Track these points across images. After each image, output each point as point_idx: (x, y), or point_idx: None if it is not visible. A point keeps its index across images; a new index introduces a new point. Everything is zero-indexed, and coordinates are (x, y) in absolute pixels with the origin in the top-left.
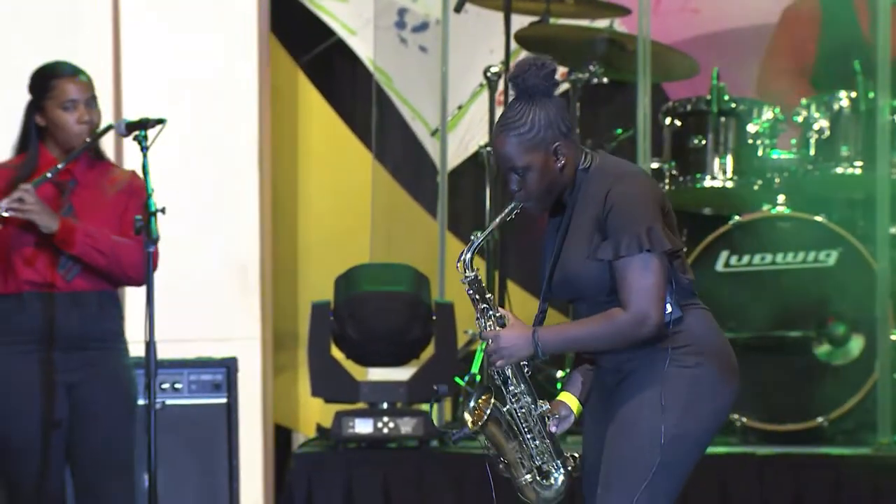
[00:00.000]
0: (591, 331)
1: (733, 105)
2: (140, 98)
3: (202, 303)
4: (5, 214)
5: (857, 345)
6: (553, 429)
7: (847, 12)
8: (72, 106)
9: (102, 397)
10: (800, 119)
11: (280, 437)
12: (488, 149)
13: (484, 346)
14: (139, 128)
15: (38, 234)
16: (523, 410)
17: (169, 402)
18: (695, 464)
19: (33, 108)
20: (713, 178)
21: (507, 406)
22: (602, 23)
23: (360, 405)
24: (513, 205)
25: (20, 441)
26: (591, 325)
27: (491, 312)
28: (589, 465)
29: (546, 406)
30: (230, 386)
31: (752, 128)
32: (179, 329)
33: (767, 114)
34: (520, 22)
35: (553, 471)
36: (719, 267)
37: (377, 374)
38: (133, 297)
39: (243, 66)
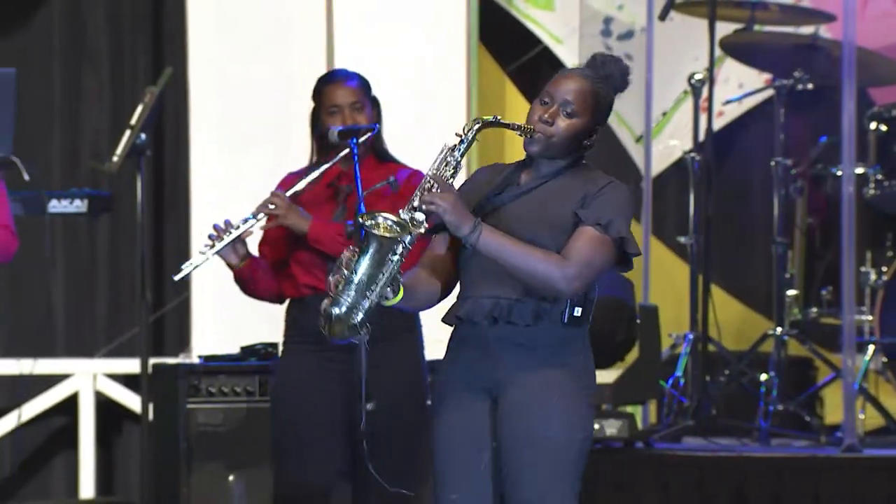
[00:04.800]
0: (528, 252)
1: None
2: None
3: None
4: (258, 218)
5: None
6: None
7: None
8: (336, 111)
9: (389, 392)
10: None
11: None
12: (692, 154)
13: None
14: (350, 135)
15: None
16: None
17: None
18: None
19: (314, 116)
20: None
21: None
22: (807, 29)
23: None
24: (533, 128)
25: (309, 439)
26: (531, 249)
27: (454, 162)
28: (462, 439)
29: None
30: None
31: None
32: None
33: None
34: (724, 29)
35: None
36: None
37: None
38: None
39: (453, 75)
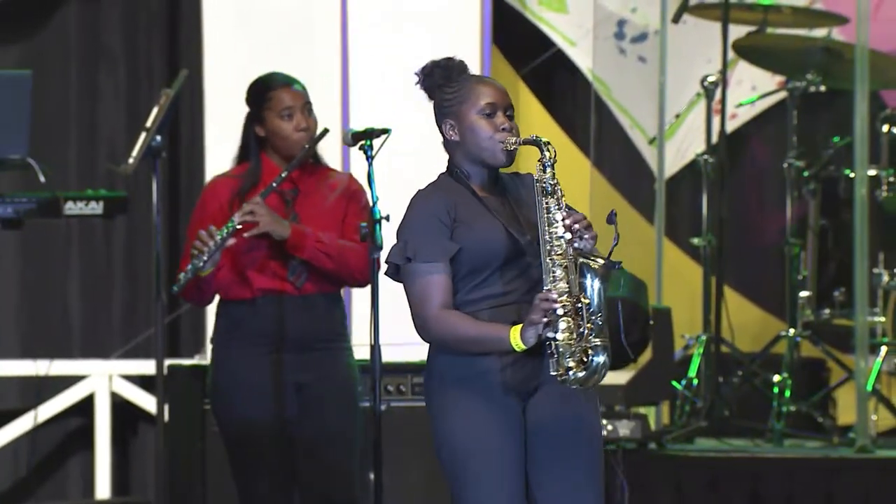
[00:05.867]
0: None
1: None
2: (366, 108)
3: None
4: (239, 227)
5: None
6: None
7: None
8: (288, 114)
9: (329, 396)
10: None
11: None
12: (706, 156)
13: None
14: (365, 137)
15: (269, 242)
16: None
17: (393, 404)
18: None
19: (252, 120)
20: None
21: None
22: (820, 31)
23: None
24: (525, 138)
25: (255, 438)
26: None
27: (552, 184)
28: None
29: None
30: None
31: None
32: (403, 332)
33: None
34: (737, 32)
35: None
36: None
37: None
38: (359, 301)
39: None
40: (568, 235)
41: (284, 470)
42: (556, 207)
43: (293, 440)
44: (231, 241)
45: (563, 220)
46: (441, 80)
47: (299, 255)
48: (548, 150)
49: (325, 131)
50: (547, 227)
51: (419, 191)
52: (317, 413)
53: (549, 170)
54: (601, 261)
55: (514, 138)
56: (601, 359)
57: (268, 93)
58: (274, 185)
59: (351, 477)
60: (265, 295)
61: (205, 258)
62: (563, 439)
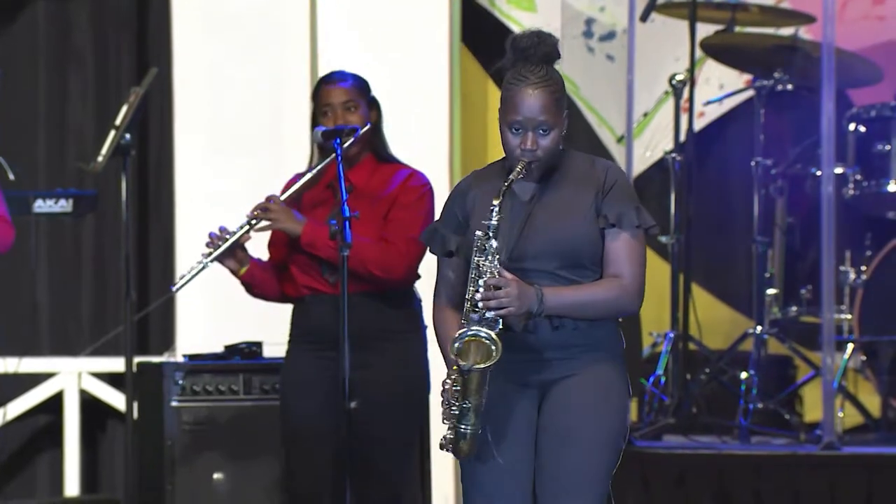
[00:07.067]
0: (595, 295)
1: None
2: None
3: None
4: (252, 223)
5: None
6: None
7: None
8: (329, 111)
9: (374, 396)
10: None
11: None
12: (673, 155)
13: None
14: (334, 136)
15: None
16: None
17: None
18: None
19: (313, 121)
20: None
21: (493, 363)
22: (787, 30)
23: None
24: (524, 163)
25: (310, 435)
26: (596, 290)
27: (497, 255)
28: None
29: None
30: None
31: None
32: None
33: None
34: (705, 30)
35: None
36: None
37: None
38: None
39: (435, 76)
40: (480, 305)
41: (331, 470)
42: (484, 272)
43: (340, 439)
44: (246, 238)
45: (481, 289)
46: (517, 60)
47: (315, 252)
48: (498, 197)
49: (353, 130)
50: (472, 289)
51: (473, 171)
52: (363, 414)
53: (494, 222)
54: (468, 359)
55: (521, 166)
56: (461, 444)
57: (316, 90)
58: (297, 185)
59: (398, 479)
60: (312, 294)
61: (213, 256)
62: (570, 436)
